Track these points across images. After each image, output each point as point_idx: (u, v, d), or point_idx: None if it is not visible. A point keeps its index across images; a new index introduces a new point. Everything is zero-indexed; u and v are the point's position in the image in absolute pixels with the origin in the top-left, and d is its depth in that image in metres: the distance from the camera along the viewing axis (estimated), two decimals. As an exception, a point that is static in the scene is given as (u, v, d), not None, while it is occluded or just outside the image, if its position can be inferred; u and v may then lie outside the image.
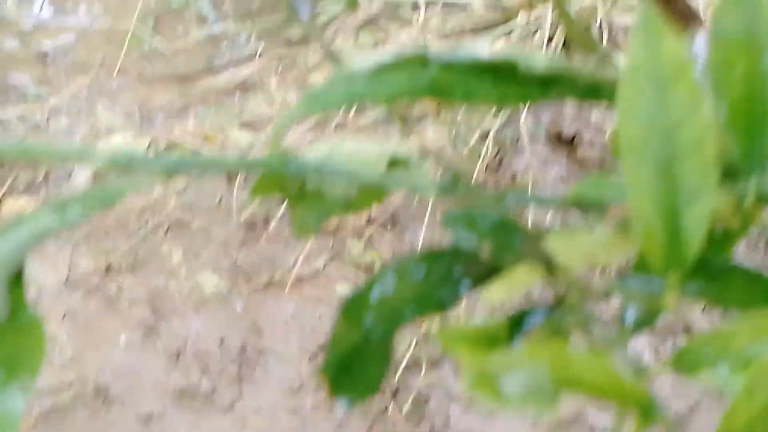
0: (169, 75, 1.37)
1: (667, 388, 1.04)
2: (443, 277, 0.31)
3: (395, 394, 1.07)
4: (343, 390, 0.32)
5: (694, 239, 0.28)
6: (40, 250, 1.15)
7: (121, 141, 1.19)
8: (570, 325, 0.30)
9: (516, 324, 0.30)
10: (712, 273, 0.32)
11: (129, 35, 1.37)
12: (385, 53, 0.32)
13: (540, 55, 0.33)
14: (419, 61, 0.32)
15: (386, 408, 1.06)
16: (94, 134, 1.22)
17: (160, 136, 1.24)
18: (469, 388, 0.26)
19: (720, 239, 0.34)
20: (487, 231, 0.31)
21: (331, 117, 1.18)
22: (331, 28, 1.36)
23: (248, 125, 1.32)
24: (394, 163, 0.37)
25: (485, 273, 0.32)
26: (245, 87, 1.36)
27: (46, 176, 1.22)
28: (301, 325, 1.13)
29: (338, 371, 0.32)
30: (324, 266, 1.16)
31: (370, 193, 0.37)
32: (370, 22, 1.37)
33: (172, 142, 1.25)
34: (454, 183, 0.34)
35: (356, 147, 0.38)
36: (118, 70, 1.34)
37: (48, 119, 1.27)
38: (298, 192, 0.39)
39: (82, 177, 1.18)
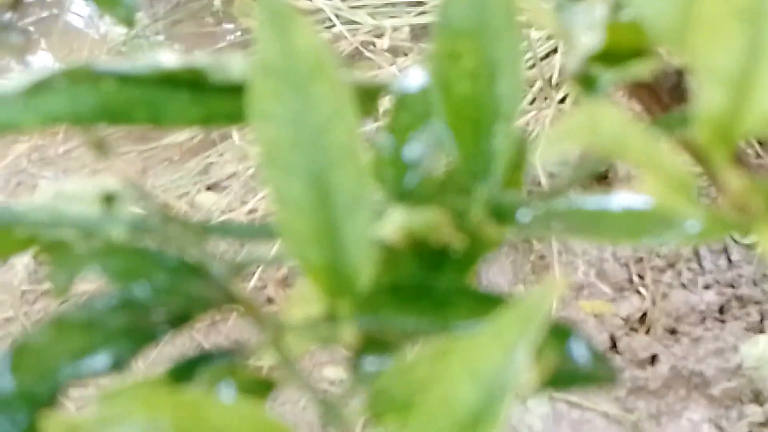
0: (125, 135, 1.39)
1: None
2: (108, 334, 0.30)
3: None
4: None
5: (359, 259, 0.27)
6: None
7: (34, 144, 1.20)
8: (250, 371, 0.29)
9: (185, 373, 0.29)
10: (435, 299, 0.30)
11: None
12: (44, 68, 0.31)
13: (237, 59, 0.32)
14: (85, 75, 0.31)
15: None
16: None
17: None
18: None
19: (459, 260, 0.32)
20: (165, 277, 0.30)
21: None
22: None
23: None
24: (108, 200, 0.36)
25: (167, 323, 0.30)
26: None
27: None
28: None
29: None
30: None
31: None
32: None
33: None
34: (150, 219, 0.32)
35: (78, 186, 0.37)
36: (64, 132, 1.36)
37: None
38: (48, 247, 0.38)
39: None
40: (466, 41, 0.31)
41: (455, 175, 0.31)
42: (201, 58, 0.32)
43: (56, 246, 0.36)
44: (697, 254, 1.30)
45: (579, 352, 0.30)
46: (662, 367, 1.20)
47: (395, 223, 0.30)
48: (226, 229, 0.32)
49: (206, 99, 0.32)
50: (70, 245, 0.36)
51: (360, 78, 0.35)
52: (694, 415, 1.17)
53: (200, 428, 0.25)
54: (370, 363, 0.30)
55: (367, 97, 0.35)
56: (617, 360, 1.21)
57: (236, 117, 0.33)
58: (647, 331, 1.24)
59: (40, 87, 0.31)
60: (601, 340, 1.22)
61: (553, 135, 0.20)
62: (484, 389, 0.24)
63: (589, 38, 0.32)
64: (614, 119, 0.20)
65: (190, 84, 0.32)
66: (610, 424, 1.16)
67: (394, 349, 0.30)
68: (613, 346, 1.23)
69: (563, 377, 0.30)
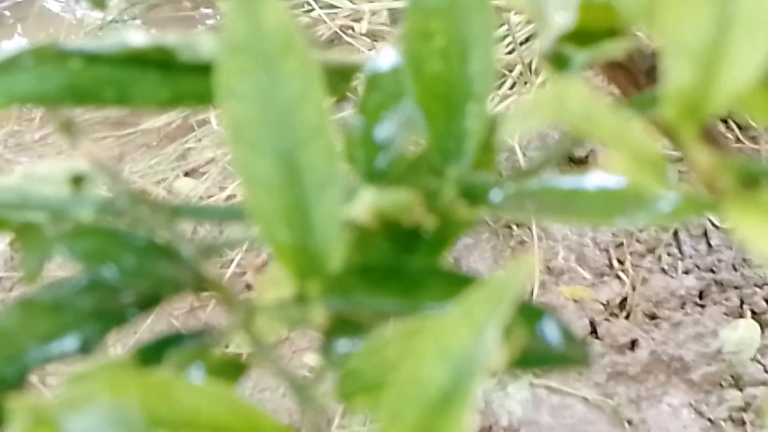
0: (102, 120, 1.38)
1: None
2: (78, 315, 0.29)
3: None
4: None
5: (329, 239, 0.27)
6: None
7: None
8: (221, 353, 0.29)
9: (154, 355, 0.29)
10: (407, 280, 0.30)
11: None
12: (14, 45, 0.31)
13: (207, 38, 0.32)
14: (52, 54, 0.31)
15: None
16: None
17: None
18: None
19: (432, 241, 0.32)
20: (133, 259, 0.29)
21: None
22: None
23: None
24: (77, 181, 0.36)
25: (136, 306, 0.30)
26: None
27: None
28: None
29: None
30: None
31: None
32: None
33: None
34: (119, 200, 0.32)
35: (49, 168, 0.37)
36: (40, 118, 1.35)
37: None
38: (19, 230, 0.38)
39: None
40: (438, 20, 0.31)
41: (427, 155, 0.30)
42: (170, 37, 0.32)
43: (26, 229, 0.36)
44: (676, 239, 1.30)
45: (551, 333, 0.30)
46: (642, 352, 1.20)
47: (366, 203, 0.30)
48: (197, 211, 0.32)
49: (176, 78, 0.32)
50: (39, 228, 0.35)
51: (332, 58, 0.35)
52: (674, 400, 1.18)
53: (168, 409, 0.25)
54: (342, 345, 0.30)
55: (340, 77, 0.35)
56: (597, 345, 1.22)
57: (207, 97, 0.32)
58: (627, 317, 1.25)
59: (7, 65, 0.30)
60: (581, 326, 1.22)
61: (521, 110, 0.20)
62: (454, 368, 0.24)
63: (561, 17, 0.32)
64: (582, 95, 0.20)
65: (160, 63, 0.32)
66: (590, 410, 1.17)
67: (365, 331, 0.30)
68: (593, 331, 1.23)
69: (536, 357, 0.30)
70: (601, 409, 1.16)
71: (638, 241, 1.29)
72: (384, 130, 0.32)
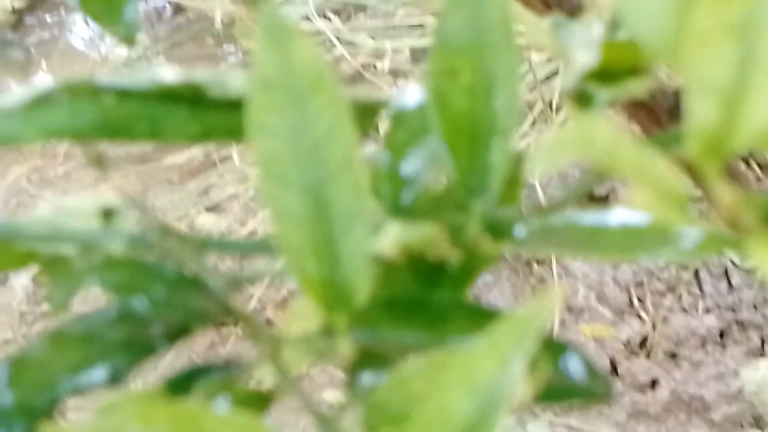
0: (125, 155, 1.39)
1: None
2: (108, 346, 0.30)
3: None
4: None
5: (356, 273, 0.27)
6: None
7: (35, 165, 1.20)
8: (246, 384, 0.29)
9: (182, 386, 0.29)
10: (431, 313, 0.30)
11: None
12: (46, 81, 0.32)
13: (236, 75, 0.33)
14: (85, 89, 0.31)
15: None
16: None
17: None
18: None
19: (456, 275, 0.32)
20: (163, 291, 0.30)
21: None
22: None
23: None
24: (107, 215, 0.36)
25: (166, 337, 0.31)
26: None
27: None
28: None
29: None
30: None
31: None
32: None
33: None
34: (149, 233, 0.33)
35: (78, 202, 0.37)
36: (64, 153, 1.37)
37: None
38: (47, 263, 0.39)
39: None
40: (463, 57, 0.31)
41: (452, 190, 0.31)
42: (200, 74, 0.33)
43: (55, 262, 0.37)
44: (697, 278, 1.30)
45: (575, 368, 0.30)
46: (662, 392, 1.20)
47: (392, 237, 0.30)
48: (224, 245, 0.33)
49: (205, 114, 0.33)
50: (69, 261, 0.36)
51: (359, 94, 0.36)
52: (694, 440, 1.17)
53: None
54: (367, 377, 0.30)
55: (366, 113, 0.36)
56: (617, 384, 1.21)
57: (235, 132, 0.33)
58: (648, 355, 1.24)
59: (41, 101, 0.31)
60: (602, 365, 1.22)
61: (546, 147, 0.20)
62: (480, 400, 0.24)
63: (585, 56, 0.33)
64: (607, 132, 0.21)
65: (190, 99, 0.33)
66: (610, 449, 1.16)
67: (390, 364, 0.31)
68: (614, 370, 1.23)
69: (559, 392, 0.30)
70: (622, 448, 1.16)
71: (659, 279, 1.29)
72: (409, 166, 0.32)
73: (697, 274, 1.29)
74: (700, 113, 0.21)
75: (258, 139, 0.27)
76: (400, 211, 0.31)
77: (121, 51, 1.62)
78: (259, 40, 0.27)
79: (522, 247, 0.30)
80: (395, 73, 1.47)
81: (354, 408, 0.29)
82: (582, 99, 0.33)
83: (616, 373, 1.22)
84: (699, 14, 0.21)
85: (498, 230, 0.30)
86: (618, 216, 0.27)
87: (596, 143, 0.21)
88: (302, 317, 0.31)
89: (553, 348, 0.30)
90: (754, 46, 0.22)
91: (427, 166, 0.32)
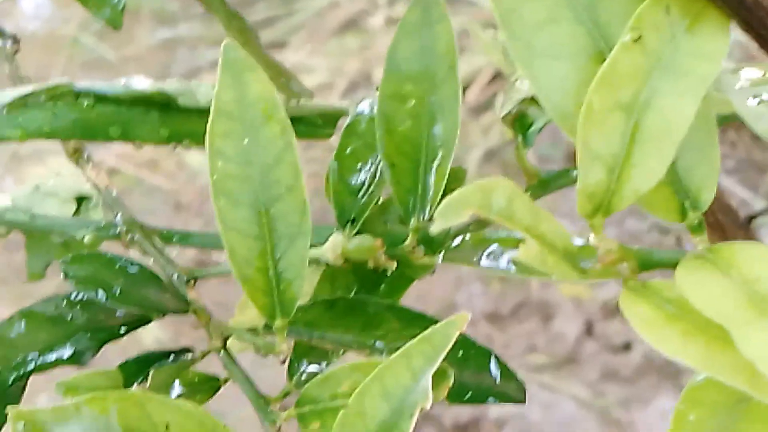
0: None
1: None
2: (75, 328, 0.33)
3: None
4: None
5: (296, 284, 0.31)
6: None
7: (55, 167, 1.24)
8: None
9: (139, 369, 0.33)
10: (366, 315, 0.34)
11: (71, 41, 1.41)
12: (27, 85, 0.35)
13: (205, 86, 0.36)
14: (65, 93, 0.35)
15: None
16: (18, 159, 1.27)
17: (102, 162, 1.29)
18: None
19: (393, 282, 0.36)
20: (122, 284, 0.33)
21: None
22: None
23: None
24: (81, 201, 0.40)
25: (127, 325, 0.34)
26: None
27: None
28: None
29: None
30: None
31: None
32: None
33: (114, 169, 1.29)
34: (119, 224, 0.36)
35: (57, 185, 0.41)
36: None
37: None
38: (30, 236, 0.42)
39: None
40: (412, 84, 0.34)
41: (394, 205, 0.34)
42: (171, 83, 0.36)
43: (34, 235, 0.40)
44: (679, 242, 1.33)
45: (496, 371, 0.34)
46: (635, 355, 1.24)
47: (336, 246, 0.33)
48: (185, 237, 0.36)
49: (174, 120, 0.36)
50: (46, 234, 0.39)
51: (319, 103, 0.39)
52: (663, 404, 1.21)
53: (143, 422, 0.29)
54: (306, 369, 0.34)
55: (327, 120, 0.39)
56: (591, 345, 1.26)
57: (201, 137, 0.36)
58: (623, 318, 1.28)
59: (23, 102, 0.34)
60: (577, 325, 1.26)
61: (451, 201, 0.23)
62: (394, 406, 0.28)
63: (525, 84, 0.36)
64: (505, 191, 0.24)
65: (161, 106, 0.36)
66: (580, 408, 1.20)
67: (330, 357, 0.34)
68: (589, 330, 1.27)
69: (481, 391, 0.34)
70: (591, 408, 1.20)
71: (641, 243, 1.32)
72: (358, 178, 0.35)
73: (679, 242, 1.32)
74: (589, 176, 0.25)
75: (213, 161, 0.30)
76: (347, 218, 0.35)
77: None
78: (221, 73, 0.30)
79: (451, 260, 0.33)
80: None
81: (292, 397, 0.33)
82: (519, 123, 0.36)
83: (591, 334, 1.26)
84: (594, 94, 0.25)
85: (432, 244, 0.34)
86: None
87: (493, 201, 0.24)
88: (249, 309, 0.34)
89: (481, 353, 0.34)
90: (640, 122, 0.25)
91: (374, 180, 0.35)
